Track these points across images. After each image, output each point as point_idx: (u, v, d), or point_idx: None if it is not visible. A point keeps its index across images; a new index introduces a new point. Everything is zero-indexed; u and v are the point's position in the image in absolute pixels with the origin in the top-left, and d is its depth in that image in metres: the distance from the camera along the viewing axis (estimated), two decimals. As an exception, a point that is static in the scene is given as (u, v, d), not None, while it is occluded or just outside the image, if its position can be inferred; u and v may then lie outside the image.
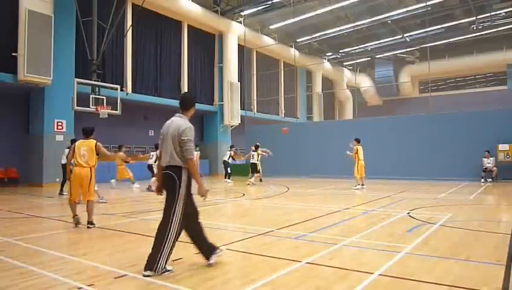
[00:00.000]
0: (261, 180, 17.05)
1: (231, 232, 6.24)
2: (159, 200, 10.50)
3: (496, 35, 27.89)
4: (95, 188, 6.72)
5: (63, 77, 15.60)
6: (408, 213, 7.59)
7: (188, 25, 22.79)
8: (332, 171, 18.73)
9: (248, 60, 27.21)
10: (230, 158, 18.14)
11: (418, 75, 36.62)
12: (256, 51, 28.23)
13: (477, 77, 36.02)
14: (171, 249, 3.85)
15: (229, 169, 18.00)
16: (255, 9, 24.18)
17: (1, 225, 6.88)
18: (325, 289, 3.41)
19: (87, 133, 6.74)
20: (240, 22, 25.12)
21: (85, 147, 6.57)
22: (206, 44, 24.47)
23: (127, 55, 19.40)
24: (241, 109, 25.10)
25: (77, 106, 14.81)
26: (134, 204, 9.89)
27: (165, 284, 3.53)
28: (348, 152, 13.58)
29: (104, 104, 15.56)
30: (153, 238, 3.89)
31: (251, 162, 16.56)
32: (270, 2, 23.11)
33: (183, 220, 3.92)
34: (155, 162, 13.49)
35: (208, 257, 4.09)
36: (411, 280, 3.59)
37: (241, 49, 25.03)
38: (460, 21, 26.56)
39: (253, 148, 16.84)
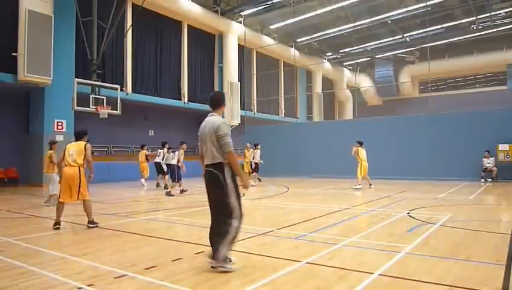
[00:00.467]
0: (259, 179, 17.09)
1: (231, 232, 6.23)
2: (159, 201, 10.52)
3: (496, 35, 27.90)
4: (87, 187, 6.62)
5: (63, 77, 15.60)
6: (408, 213, 7.59)
7: (188, 25, 22.79)
8: (332, 171, 18.73)
9: (248, 60, 27.21)
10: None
11: (418, 75, 36.62)
12: (256, 51, 28.23)
13: (477, 77, 36.02)
14: (234, 239, 4.02)
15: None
16: (255, 9, 24.19)
17: (1, 225, 6.88)
18: (325, 289, 3.41)
19: (77, 137, 6.83)
20: (240, 22, 25.13)
21: (74, 147, 6.61)
22: (206, 44, 24.48)
23: (127, 55, 19.40)
24: (241, 109, 25.10)
25: (77, 106, 14.81)
26: (134, 204, 9.89)
27: (165, 284, 3.53)
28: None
29: (104, 104, 15.57)
30: (207, 237, 4.14)
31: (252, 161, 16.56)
32: (270, 2, 23.11)
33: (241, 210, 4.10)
34: (162, 159, 13.66)
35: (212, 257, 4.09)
36: (411, 280, 3.59)
37: (241, 49, 25.03)
38: (460, 21, 26.56)
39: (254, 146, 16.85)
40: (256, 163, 16.42)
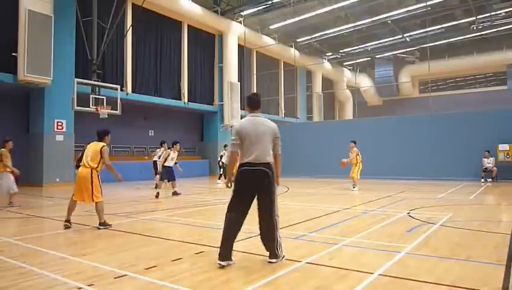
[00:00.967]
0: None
1: (231, 232, 6.23)
2: (159, 201, 10.52)
3: (496, 35, 27.91)
4: (100, 189, 6.50)
5: (63, 77, 15.61)
6: (408, 213, 7.58)
7: (188, 25, 22.78)
8: (332, 171, 18.71)
9: (248, 60, 27.20)
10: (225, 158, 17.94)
11: (418, 75, 36.62)
12: (256, 51, 28.23)
13: (477, 77, 36.01)
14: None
15: (222, 170, 17.43)
16: (255, 9, 24.18)
17: (1, 225, 6.88)
18: (325, 289, 3.41)
19: (98, 136, 6.70)
20: (240, 22, 25.12)
21: (91, 148, 6.54)
22: (206, 44, 24.47)
23: (127, 55, 19.40)
24: (241, 109, 25.10)
25: (77, 106, 14.81)
26: (134, 204, 9.89)
27: (165, 284, 3.53)
28: (345, 160, 12.98)
29: (104, 104, 15.57)
30: (222, 235, 4.15)
31: (223, 162, 16.75)
32: (270, 2, 23.10)
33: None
34: (159, 158, 13.69)
35: (229, 258, 4.14)
36: (411, 280, 3.59)
37: (241, 49, 25.03)
38: (460, 21, 26.55)
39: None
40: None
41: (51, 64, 14.97)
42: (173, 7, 20.78)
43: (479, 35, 28.26)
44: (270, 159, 4.20)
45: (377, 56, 35.04)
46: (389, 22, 25.91)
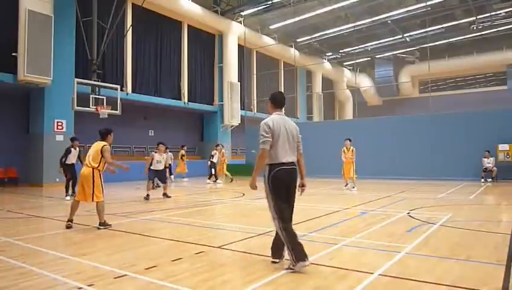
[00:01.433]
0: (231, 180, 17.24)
1: (231, 232, 6.24)
2: (158, 200, 10.52)
3: (496, 35, 27.92)
4: (101, 189, 6.48)
5: (63, 77, 15.60)
6: (408, 213, 7.58)
7: (188, 25, 22.79)
8: (332, 171, 18.68)
9: (248, 60, 27.20)
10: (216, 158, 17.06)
11: (418, 75, 36.63)
12: (256, 51, 28.23)
13: (477, 77, 36.02)
14: None
15: (213, 170, 17.01)
16: (255, 9, 24.19)
17: (1, 225, 6.88)
18: (325, 289, 3.41)
19: (101, 135, 6.69)
20: (240, 22, 25.13)
21: (94, 148, 6.56)
22: (206, 44, 24.48)
23: (127, 55, 19.41)
24: (241, 109, 25.10)
25: (77, 106, 14.80)
26: (134, 204, 9.88)
27: (165, 284, 3.53)
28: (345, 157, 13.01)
29: (104, 104, 15.56)
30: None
31: (213, 161, 16.61)
32: (270, 2, 23.11)
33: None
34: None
35: (280, 257, 4.15)
36: (411, 280, 3.59)
37: (241, 49, 25.02)
38: (460, 21, 26.57)
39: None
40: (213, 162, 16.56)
41: (51, 64, 14.96)
42: (173, 7, 20.78)
43: (479, 35, 28.27)
44: (295, 158, 4.22)
45: (377, 56, 35.04)
46: (389, 22, 25.91)
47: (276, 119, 4.14)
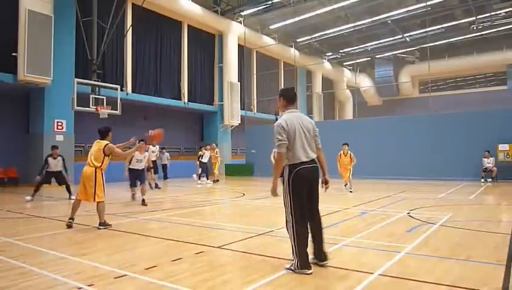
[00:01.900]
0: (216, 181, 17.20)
1: (231, 232, 6.24)
2: (158, 201, 10.51)
3: (496, 35, 27.91)
4: (103, 189, 6.50)
5: (63, 77, 15.60)
6: (408, 213, 7.58)
7: (188, 25, 22.79)
8: (333, 171, 18.63)
9: (248, 60, 27.20)
10: (206, 158, 16.64)
11: (418, 75, 36.61)
12: (256, 51, 28.23)
13: (477, 77, 36.00)
14: None
15: (201, 170, 16.64)
16: (255, 9, 24.19)
17: (1, 225, 6.88)
18: (325, 289, 3.41)
19: (101, 134, 6.68)
20: (240, 22, 25.12)
21: (95, 147, 6.55)
22: (206, 44, 24.47)
23: (127, 55, 19.40)
24: (241, 109, 25.09)
25: (77, 106, 14.81)
26: (134, 204, 9.88)
27: (165, 284, 3.53)
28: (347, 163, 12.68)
29: (104, 104, 15.56)
30: (286, 233, 4.00)
31: (204, 161, 16.35)
32: (270, 2, 23.11)
33: None
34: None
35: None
36: (411, 280, 3.59)
37: (241, 49, 25.03)
38: (460, 21, 26.57)
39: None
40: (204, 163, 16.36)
41: (51, 64, 14.96)
42: (173, 7, 20.78)
43: (479, 35, 28.26)
44: (316, 155, 4.06)
45: (377, 56, 35.04)
46: (389, 22, 25.91)
47: (289, 118, 3.96)
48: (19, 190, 14.44)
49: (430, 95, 23.07)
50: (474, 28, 26.96)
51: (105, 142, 6.58)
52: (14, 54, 14.40)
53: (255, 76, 28.37)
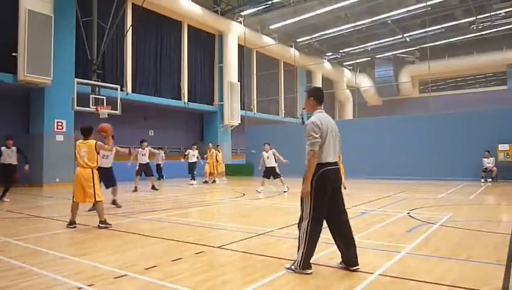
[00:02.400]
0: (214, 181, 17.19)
1: (231, 232, 6.24)
2: (158, 201, 10.51)
3: (496, 35, 27.90)
4: (99, 189, 6.60)
5: (63, 77, 15.60)
6: (408, 213, 7.58)
7: (188, 25, 22.79)
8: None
9: (248, 60, 27.21)
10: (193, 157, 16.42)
11: (418, 75, 36.61)
12: (256, 51, 28.23)
13: (477, 77, 35.99)
14: None
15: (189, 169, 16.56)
16: (255, 9, 24.19)
17: (1, 225, 6.88)
18: (325, 289, 3.41)
19: (84, 134, 6.68)
20: (240, 22, 25.13)
21: (85, 148, 6.53)
22: (206, 44, 24.48)
23: (127, 55, 19.41)
24: (241, 109, 25.10)
25: (77, 106, 14.80)
26: (134, 204, 9.88)
27: (165, 284, 3.53)
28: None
29: (104, 104, 15.55)
30: (298, 237, 3.88)
31: (191, 161, 16.26)
32: (270, 2, 23.11)
33: None
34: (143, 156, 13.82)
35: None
36: (411, 280, 3.59)
37: (241, 49, 25.03)
38: (460, 21, 26.57)
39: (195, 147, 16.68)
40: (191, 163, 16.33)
41: (51, 64, 14.97)
42: (173, 7, 20.78)
43: (479, 35, 28.26)
44: (337, 158, 4.03)
45: (377, 56, 35.04)
46: (389, 22, 25.92)
47: (322, 117, 3.92)
48: (19, 189, 14.44)
49: (430, 95, 23.07)
50: (474, 28, 26.95)
51: (92, 141, 6.62)
52: (14, 54, 14.40)
53: (255, 76, 28.37)
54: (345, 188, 12.59)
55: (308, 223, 3.79)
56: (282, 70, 31.34)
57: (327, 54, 34.22)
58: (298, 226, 3.93)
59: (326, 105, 36.11)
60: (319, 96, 4.04)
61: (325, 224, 3.96)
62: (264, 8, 24.13)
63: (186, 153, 16.45)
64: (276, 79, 31.26)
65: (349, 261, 3.89)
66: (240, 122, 24.86)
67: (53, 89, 15.46)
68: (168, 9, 20.91)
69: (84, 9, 15.74)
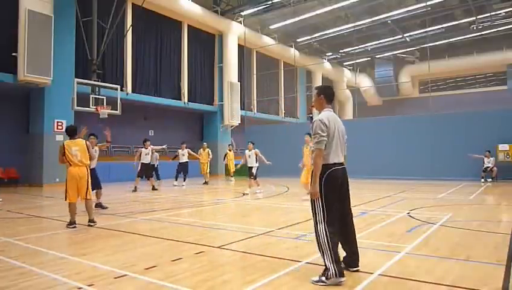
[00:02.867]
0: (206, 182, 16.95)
1: (231, 232, 6.24)
2: (158, 201, 10.51)
3: (496, 35, 27.90)
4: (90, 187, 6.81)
5: (63, 77, 15.60)
6: (408, 213, 7.58)
7: (188, 25, 22.78)
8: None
9: (248, 60, 27.20)
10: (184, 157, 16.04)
11: (418, 75, 36.61)
12: (256, 51, 28.22)
13: (477, 77, 35.99)
14: None
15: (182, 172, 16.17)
16: (255, 9, 24.17)
17: (1, 225, 6.88)
18: (325, 289, 3.41)
19: (71, 134, 6.74)
20: (240, 22, 25.12)
21: (76, 146, 6.62)
22: (206, 44, 24.47)
23: (127, 55, 19.40)
24: (241, 109, 25.09)
25: (77, 106, 14.79)
26: (134, 204, 9.89)
27: (165, 284, 3.53)
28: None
29: (104, 104, 15.55)
30: (315, 240, 3.72)
31: (182, 161, 15.86)
32: (270, 2, 23.10)
33: None
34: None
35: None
36: (411, 280, 3.59)
37: (241, 49, 25.02)
38: (460, 21, 26.55)
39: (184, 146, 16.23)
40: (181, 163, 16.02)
41: (51, 64, 14.96)
42: (173, 7, 20.78)
43: (479, 35, 28.25)
44: (343, 159, 3.93)
45: (377, 56, 35.03)
46: (389, 22, 25.90)
47: (330, 116, 3.81)
48: (19, 189, 14.45)
49: (430, 95, 23.07)
50: (474, 28, 26.95)
51: (81, 140, 6.78)
52: (14, 54, 14.39)
53: (255, 76, 28.37)
54: None
55: (324, 227, 3.63)
56: (282, 70, 31.33)
57: (327, 54, 34.21)
58: (316, 232, 3.70)
59: (326, 105, 36.23)
60: (329, 95, 3.97)
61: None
62: (264, 8, 24.12)
63: (177, 154, 16.08)
64: (276, 79, 31.25)
65: (350, 262, 3.88)
66: (240, 122, 24.85)
67: (53, 89, 15.46)
68: (168, 9, 20.90)
69: (84, 9, 15.74)
